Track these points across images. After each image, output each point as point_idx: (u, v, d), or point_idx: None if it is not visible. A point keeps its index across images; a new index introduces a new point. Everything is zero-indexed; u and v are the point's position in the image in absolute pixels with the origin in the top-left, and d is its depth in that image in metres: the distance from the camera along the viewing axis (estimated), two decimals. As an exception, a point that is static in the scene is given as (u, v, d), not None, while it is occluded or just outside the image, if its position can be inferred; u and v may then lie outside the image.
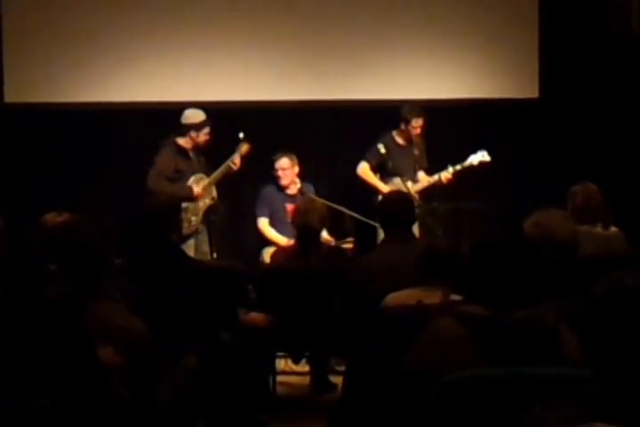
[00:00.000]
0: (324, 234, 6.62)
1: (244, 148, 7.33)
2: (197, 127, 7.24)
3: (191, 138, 7.27)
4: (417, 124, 7.68)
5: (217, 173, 7.35)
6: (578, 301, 2.90)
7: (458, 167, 7.61)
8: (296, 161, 7.52)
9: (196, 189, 7.23)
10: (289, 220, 6.86)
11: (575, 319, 2.61)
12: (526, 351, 2.59)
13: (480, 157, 7.62)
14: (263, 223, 7.53)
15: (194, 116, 7.27)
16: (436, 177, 7.68)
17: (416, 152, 7.78)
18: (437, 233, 6.95)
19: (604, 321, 1.86)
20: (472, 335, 2.65)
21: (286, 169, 7.47)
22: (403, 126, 7.73)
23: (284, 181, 7.48)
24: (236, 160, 7.31)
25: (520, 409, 1.98)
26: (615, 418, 1.83)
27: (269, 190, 7.57)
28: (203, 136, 7.26)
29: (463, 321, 2.68)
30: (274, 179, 7.54)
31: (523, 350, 2.59)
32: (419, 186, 7.67)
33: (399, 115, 7.71)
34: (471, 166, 7.62)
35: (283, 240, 7.22)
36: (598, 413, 1.84)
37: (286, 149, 7.55)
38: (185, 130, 7.26)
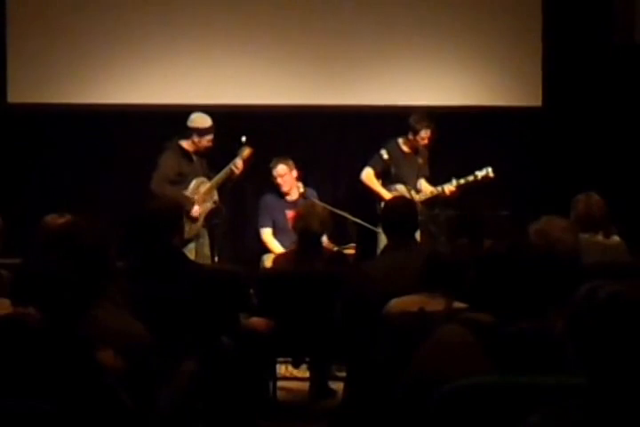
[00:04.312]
0: (324, 240, 6.58)
1: (246, 151, 7.28)
2: (201, 132, 7.21)
3: (193, 142, 7.24)
4: (425, 135, 7.66)
5: (219, 177, 7.31)
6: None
7: (462, 181, 7.61)
8: (293, 165, 7.46)
9: (196, 208, 7.14)
10: (290, 227, 6.84)
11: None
12: (532, 360, 2.58)
13: (484, 173, 7.62)
14: (267, 234, 7.44)
15: (201, 120, 7.23)
16: (439, 189, 7.67)
17: (420, 160, 7.77)
18: (440, 240, 6.94)
19: (600, 332, 1.87)
20: (478, 342, 2.63)
21: (284, 175, 7.42)
22: (410, 136, 7.70)
23: (284, 188, 7.43)
24: (238, 164, 7.26)
25: (523, 417, 1.98)
26: (611, 426, 1.83)
27: (269, 199, 7.51)
28: (205, 142, 7.22)
29: (470, 328, 2.66)
30: (274, 186, 7.50)
31: (529, 359, 2.59)
32: (421, 196, 7.65)
33: (407, 124, 7.66)
34: (475, 181, 7.62)
35: None
36: (594, 421, 1.84)
37: (281, 153, 7.50)
38: (189, 133, 7.24)
